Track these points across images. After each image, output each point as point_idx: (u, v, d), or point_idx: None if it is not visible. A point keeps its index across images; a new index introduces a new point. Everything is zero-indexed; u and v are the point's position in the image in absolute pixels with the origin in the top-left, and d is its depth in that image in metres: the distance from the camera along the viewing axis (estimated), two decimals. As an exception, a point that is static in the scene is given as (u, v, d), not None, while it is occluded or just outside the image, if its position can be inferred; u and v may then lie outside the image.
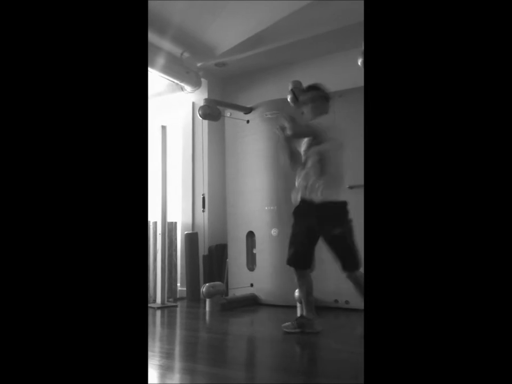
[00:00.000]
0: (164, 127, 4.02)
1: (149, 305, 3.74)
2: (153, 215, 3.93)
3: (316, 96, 2.64)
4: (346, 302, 3.43)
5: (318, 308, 3.41)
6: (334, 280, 3.39)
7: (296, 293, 3.22)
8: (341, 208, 2.50)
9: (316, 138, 2.48)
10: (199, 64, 4.27)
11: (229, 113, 4.06)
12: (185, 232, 4.25)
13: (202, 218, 4.34)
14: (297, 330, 2.72)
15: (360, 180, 3.36)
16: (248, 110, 3.98)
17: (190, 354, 2.42)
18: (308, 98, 2.65)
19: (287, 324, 2.79)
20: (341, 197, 2.53)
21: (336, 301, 3.47)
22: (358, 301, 3.25)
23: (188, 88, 4.31)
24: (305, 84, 3.47)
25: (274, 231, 3.75)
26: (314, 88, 2.69)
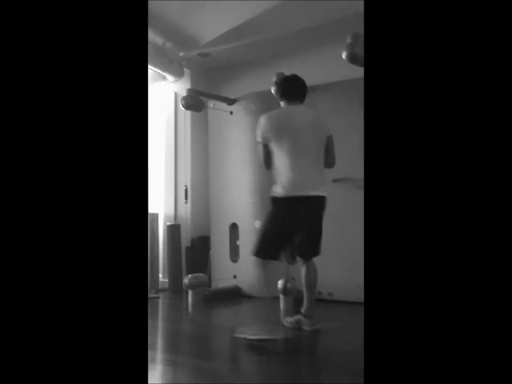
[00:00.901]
0: (146, 118, 3.96)
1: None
2: (135, 206, 3.89)
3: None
4: (330, 293, 3.47)
5: (300, 299, 3.45)
6: (318, 272, 3.42)
7: (279, 284, 3.24)
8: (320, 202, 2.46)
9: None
10: (182, 54, 4.22)
11: (212, 104, 4.03)
12: (168, 224, 4.22)
13: (185, 209, 4.31)
14: (296, 326, 2.60)
15: (344, 173, 3.39)
16: (231, 102, 3.95)
17: (173, 346, 2.42)
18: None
19: (289, 319, 2.67)
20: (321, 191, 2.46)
21: (319, 292, 3.50)
22: (341, 293, 3.30)
23: (170, 78, 4.26)
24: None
25: (257, 223, 3.75)
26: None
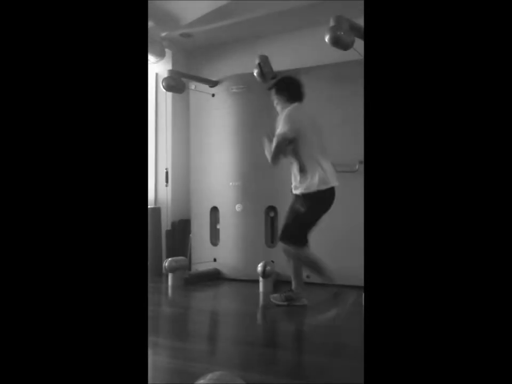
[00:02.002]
0: (126, 98, 3.89)
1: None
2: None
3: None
4: (308, 276, 3.50)
5: (280, 282, 3.48)
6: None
7: (259, 267, 3.26)
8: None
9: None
10: (163, 34, 4.13)
11: (194, 86, 3.98)
12: (148, 207, 4.18)
13: (166, 193, 4.28)
14: (284, 303, 2.77)
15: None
16: (213, 84, 3.90)
17: (152, 328, 2.42)
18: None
19: (275, 295, 2.85)
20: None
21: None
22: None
23: (151, 58, 4.17)
24: (272, 59, 3.45)
25: (238, 207, 3.75)
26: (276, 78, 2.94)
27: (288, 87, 2.76)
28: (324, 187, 2.60)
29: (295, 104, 2.69)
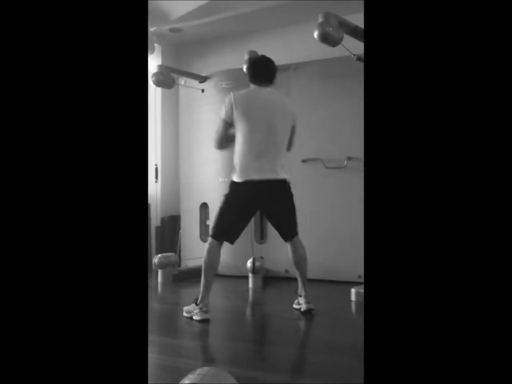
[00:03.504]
0: (114, 94, 3.86)
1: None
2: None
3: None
4: (286, 271, 3.52)
5: (269, 278, 3.50)
6: (285, 251, 3.46)
7: (248, 263, 3.27)
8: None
9: None
10: (152, 29, 4.10)
11: (183, 81, 3.96)
12: (137, 203, 4.17)
13: (155, 188, 4.26)
14: (311, 306, 2.50)
15: (312, 154, 3.42)
16: (203, 79, 3.89)
17: (141, 324, 2.42)
18: None
19: (297, 305, 2.58)
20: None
21: (286, 271, 3.55)
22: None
23: (140, 53, 4.15)
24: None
25: (227, 203, 3.75)
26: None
27: (251, 66, 2.56)
28: (238, 179, 2.37)
29: (251, 87, 2.50)
